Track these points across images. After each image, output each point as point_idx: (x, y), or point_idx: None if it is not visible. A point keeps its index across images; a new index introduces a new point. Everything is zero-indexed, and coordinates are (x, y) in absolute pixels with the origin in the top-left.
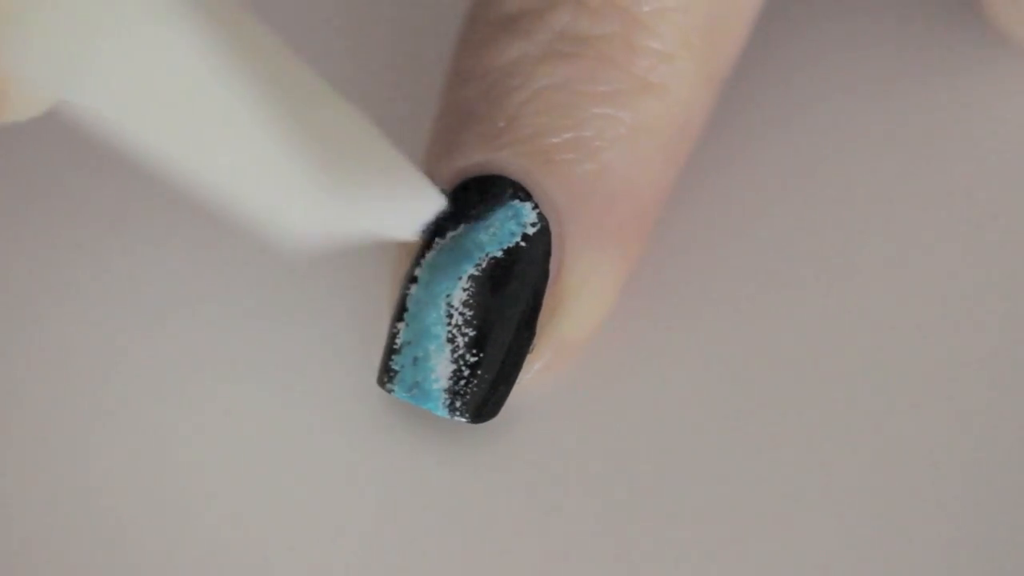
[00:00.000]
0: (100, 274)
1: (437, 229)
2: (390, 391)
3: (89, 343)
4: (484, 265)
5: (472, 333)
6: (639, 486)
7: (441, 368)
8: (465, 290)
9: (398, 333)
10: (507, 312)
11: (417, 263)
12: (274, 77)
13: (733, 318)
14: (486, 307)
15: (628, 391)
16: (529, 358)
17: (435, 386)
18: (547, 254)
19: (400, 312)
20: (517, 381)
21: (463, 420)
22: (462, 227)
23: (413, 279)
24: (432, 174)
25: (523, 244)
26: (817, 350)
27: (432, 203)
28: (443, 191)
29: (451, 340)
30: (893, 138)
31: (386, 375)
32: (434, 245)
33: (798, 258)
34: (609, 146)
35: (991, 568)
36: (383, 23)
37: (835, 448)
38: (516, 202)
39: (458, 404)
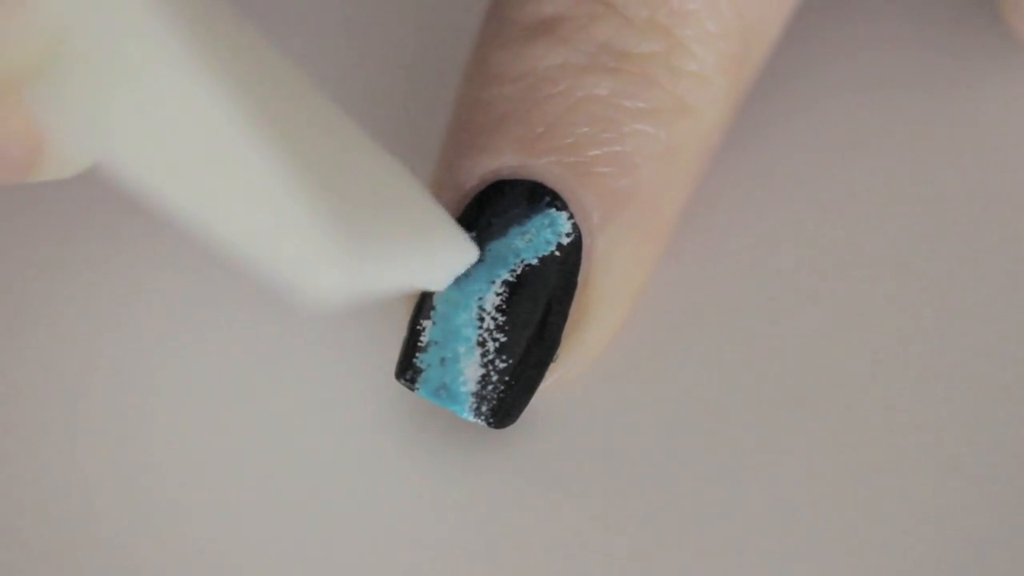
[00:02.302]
0: (111, 283)
1: (466, 226)
2: (414, 390)
3: (102, 347)
4: (519, 271)
5: (503, 339)
6: (649, 489)
7: (470, 371)
8: (499, 295)
9: (423, 330)
10: (537, 320)
11: None
12: (301, 128)
13: (737, 319)
14: (518, 313)
15: (636, 394)
16: (551, 366)
17: (463, 389)
18: (577, 265)
19: (425, 308)
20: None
21: (484, 424)
22: (495, 229)
23: None
24: (457, 172)
25: (557, 253)
26: (822, 352)
27: (465, 255)
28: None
29: (481, 344)
30: (907, 139)
31: (409, 371)
32: None
33: (803, 260)
34: (645, 163)
35: (991, 568)
36: (390, 21)
37: (842, 447)
38: (552, 211)
39: (483, 408)
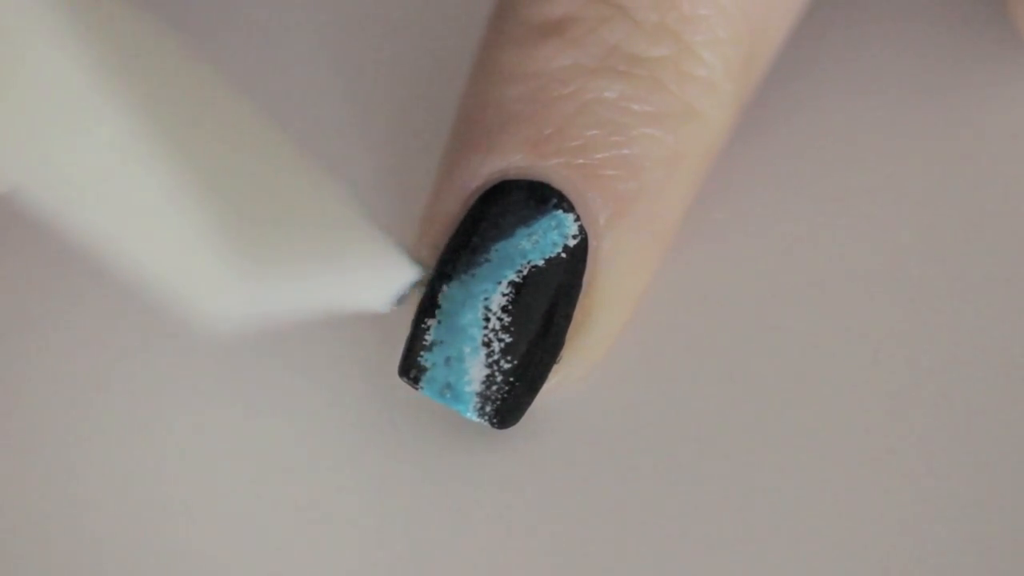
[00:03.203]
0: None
1: (472, 226)
2: (419, 388)
3: (88, 347)
4: (525, 272)
5: (509, 339)
6: (650, 490)
7: (475, 371)
8: (505, 295)
9: (428, 329)
10: (542, 321)
11: (450, 260)
12: (213, 146)
13: (738, 320)
14: (524, 314)
15: (638, 395)
16: (554, 367)
17: (468, 389)
18: (583, 267)
19: (430, 307)
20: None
21: (487, 424)
22: (502, 230)
23: (445, 276)
24: (463, 171)
25: (563, 255)
26: (823, 353)
27: (402, 274)
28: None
29: (487, 344)
30: (910, 140)
31: (413, 370)
32: (471, 244)
33: (804, 260)
34: (652, 167)
35: (991, 568)
36: (393, 19)
37: (843, 447)
38: (559, 212)
39: (488, 409)
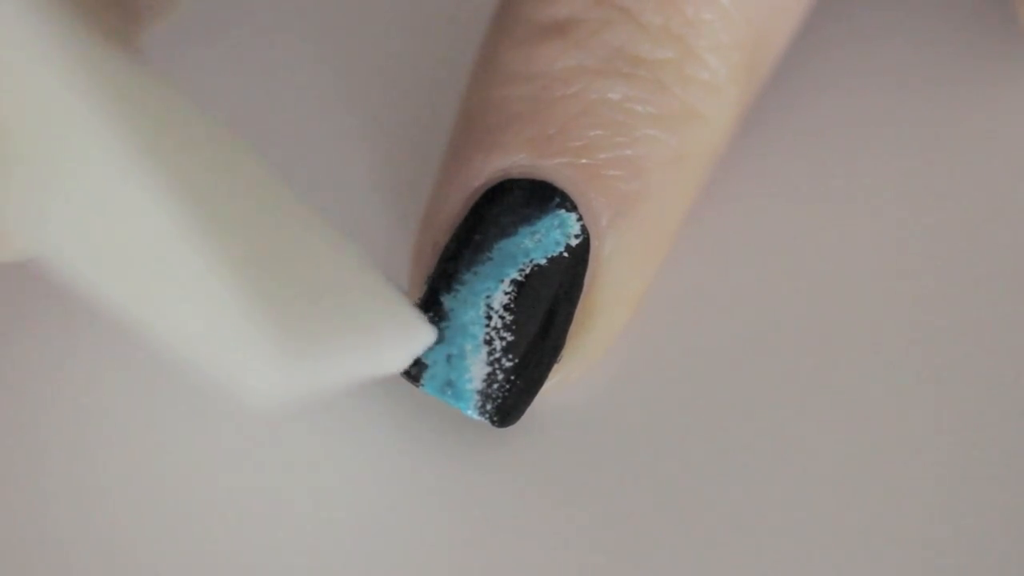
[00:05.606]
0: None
1: (475, 224)
2: (419, 385)
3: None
4: (528, 271)
5: (510, 338)
6: (649, 490)
7: (476, 369)
8: (507, 294)
9: None
10: (543, 320)
11: (452, 258)
12: (244, 219)
13: (737, 320)
14: (525, 313)
15: (637, 395)
16: (554, 367)
17: (469, 386)
18: (585, 267)
19: (432, 305)
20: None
21: (488, 422)
22: (504, 228)
23: (447, 274)
24: (466, 170)
25: (565, 255)
26: (823, 352)
27: (422, 338)
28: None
29: (488, 342)
30: (912, 137)
31: (414, 367)
32: (473, 242)
33: (804, 259)
34: (654, 168)
35: (991, 568)
36: (394, 18)
37: (843, 447)
38: (562, 212)
39: (488, 407)
